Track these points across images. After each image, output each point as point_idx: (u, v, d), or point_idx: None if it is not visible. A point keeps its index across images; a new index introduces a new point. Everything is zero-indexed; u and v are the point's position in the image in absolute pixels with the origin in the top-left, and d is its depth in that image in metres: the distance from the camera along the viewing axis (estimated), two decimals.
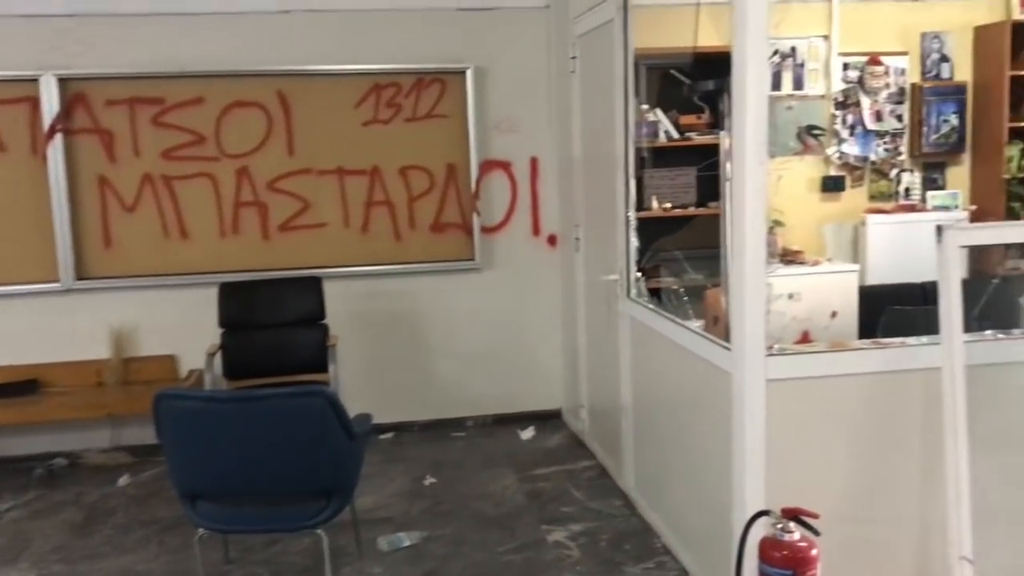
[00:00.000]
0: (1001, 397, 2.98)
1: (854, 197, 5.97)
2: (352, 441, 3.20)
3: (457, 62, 5.30)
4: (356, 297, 5.37)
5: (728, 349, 2.94)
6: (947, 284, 2.84)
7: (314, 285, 4.89)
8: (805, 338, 5.29)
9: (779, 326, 5.49)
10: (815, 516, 2.45)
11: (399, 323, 5.46)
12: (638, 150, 5.38)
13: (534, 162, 5.50)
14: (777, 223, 5.74)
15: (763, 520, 2.42)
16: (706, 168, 5.51)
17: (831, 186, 5.93)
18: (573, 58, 4.84)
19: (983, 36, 5.92)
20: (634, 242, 4.06)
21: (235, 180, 5.21)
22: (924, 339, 2.98)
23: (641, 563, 3.66)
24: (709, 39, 3.23)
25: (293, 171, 5.26)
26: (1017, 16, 5.86)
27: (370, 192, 5.34)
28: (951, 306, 2.84)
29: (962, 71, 5.98)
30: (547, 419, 5.59)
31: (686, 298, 3.64)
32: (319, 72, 5.19)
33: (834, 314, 5.33)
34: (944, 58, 5.96)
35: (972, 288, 5.82)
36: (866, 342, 3.24)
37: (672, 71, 4.04)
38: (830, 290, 5.45)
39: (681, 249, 4.14)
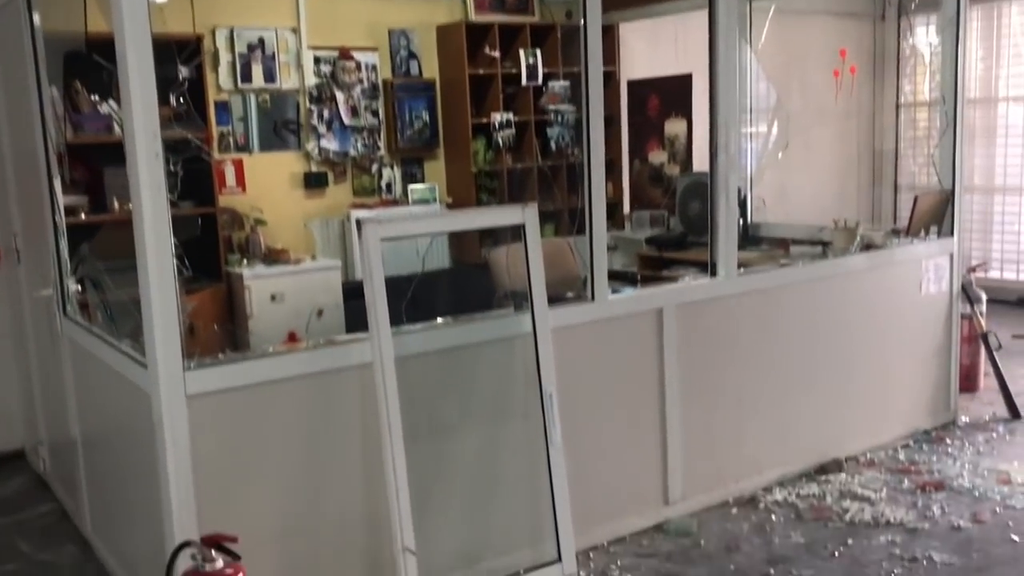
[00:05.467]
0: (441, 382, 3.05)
1: (338, 192, 5.98)
2: None
3: None
4: None
5: (144, 367, 2.62)
6: (371, 278, 2.80)
7: None
8: (292, 338, 5.15)
9: (268, 329, 5.32)
10: (234, 540, 2.27)
11: None
12: (91, 146, 4.82)
13: None
14: (259, 222, 5.54)
15: (187, 551, 2.21)
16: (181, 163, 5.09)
17: (314, 182, 5.87)
18: None
19: (444, 35, 6.26)
20: (65, 252, 3.53)
21: None
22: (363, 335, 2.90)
23: None
24: (100, 24, 2.86)
25: None
26: (472, 18, 6.28)
27: None
28: (376, 300, 2.81)
29: (430, 68, 6.27)
30: (5, 462, 4.78)
31: (109, 312, 3.23)
32: None
33: (320, 312, 5.27)
34: (412, 55, 6.20)
35: (454, 274, 6.15)
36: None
37: (96, 57, 3.60)
38: (316, 288, 5.39)
39: (115, 258, 3.69)
